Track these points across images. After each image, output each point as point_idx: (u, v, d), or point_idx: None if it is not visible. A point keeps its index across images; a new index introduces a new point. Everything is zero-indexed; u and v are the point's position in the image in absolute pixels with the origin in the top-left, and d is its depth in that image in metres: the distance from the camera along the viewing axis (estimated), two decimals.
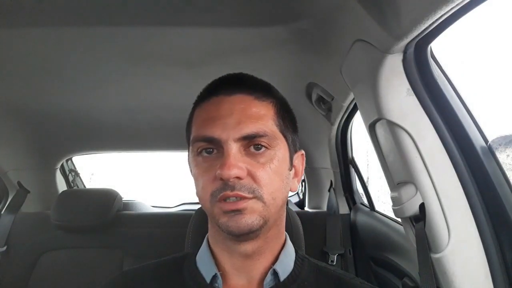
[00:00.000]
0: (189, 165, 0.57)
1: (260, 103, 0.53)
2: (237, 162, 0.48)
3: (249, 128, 0.50)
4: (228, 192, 0.48)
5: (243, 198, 0.48)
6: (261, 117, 0.52)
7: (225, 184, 0.48)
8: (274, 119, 0.53)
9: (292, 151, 0.56)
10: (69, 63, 0.94)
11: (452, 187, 0.61)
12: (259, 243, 0.53)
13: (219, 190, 0.48)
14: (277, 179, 0.51)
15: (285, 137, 0.54)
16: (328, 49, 0.82)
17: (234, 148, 0.49)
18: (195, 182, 0.54)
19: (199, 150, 0.52)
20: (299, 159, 0.59)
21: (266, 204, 0.49)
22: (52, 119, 1.35)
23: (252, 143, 0.50)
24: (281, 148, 0.53)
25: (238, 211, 0.48)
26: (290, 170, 0.56)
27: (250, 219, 0.48)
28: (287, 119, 0.56)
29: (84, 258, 1.30)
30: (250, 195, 0.48)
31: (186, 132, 0.58)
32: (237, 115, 0.50)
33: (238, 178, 0.48)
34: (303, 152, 0.60)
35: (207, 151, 0.51)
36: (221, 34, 0.82)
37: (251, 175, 0.49)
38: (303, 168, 0.61)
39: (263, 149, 0.50)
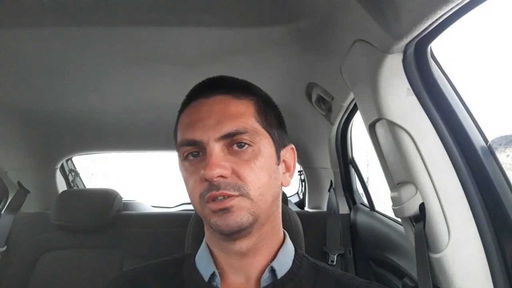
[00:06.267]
0: (180, 170, 0.57)
1: (239, 102, 0.54)
2: (219, 161, 0.49)
3: (229, 127, 0.50)
4: (214, 192, 0.48)
5: (229, 196, 0.49)
6: (241, 115, 0.52)
7: (211, 184, 0.49)
8: (254, 115, 0.54)
9: (279, 146, 0.56)
10: (69, 63, 0.94)
11: (452, 187, 0.61)
12: (253, 241, 0.53)
13: (206, 191, 0.49)
14: (263, 175, 0.51)
15: (268, 132, 0.54)
16: (328, 49, 0.82)
17: (216, 148, 0.50)
18: (185, 186, 0.55)
19: (185, 155, 0.53)
20: (290, 154, 0.59)
21: (253, 201, 0.50)
22: (52, 119, 1.35)
23: (235, 141, 0.51)
24: (265, 144, 0.53)
25: (226, 210, 0.49)
26: (278, 165, 0.56)
27: (238, 217, 0.49)
28: (270, 115, 0.57)
29: (84, 258, 1.30)
30: (236, 193, 0.49)
31: (174, 138, 0.59)
32: (216, 116, 0.51)
33: (223, 177, 0.48)
34: (292, 146, 0.60)
35: (193, 155, 0.52)
36: (221, 34, 0.82)
37: (235, 173, 0.49)
38: (295, 162, 0.61)
39: (246, 146, 0.51)
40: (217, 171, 0.48)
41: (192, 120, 0.53)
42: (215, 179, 0.48)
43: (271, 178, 0.53)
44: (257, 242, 0.54)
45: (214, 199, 0.49)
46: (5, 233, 1.34)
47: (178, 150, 0.55)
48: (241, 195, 0.49)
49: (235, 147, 0.51)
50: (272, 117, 0.57)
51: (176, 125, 0.58)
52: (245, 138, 0.51)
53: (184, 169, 0.54)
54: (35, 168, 1.54)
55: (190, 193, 0.53)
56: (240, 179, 0.49)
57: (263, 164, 0.51)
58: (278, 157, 0.56)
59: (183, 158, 0.53)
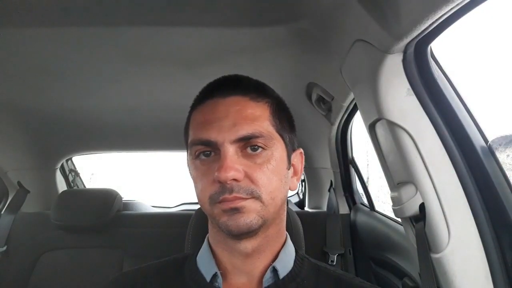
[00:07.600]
0: (188, 167, 0.57)
1: (256, 104, 0.53)
2: (234, 164, 0.48)
3: (245, 130, 0.50)
4: (227, 196, 0.48)
5: (241, 199, 0.49)
6: (257, 118, 0.52)
7: (223, 187, 0.48)
8: (270, 119, 0.53)
9: (290, 150, 0.56)
10: (69, 63, 0.94)
11: (452, 187, 0.61)
12: (259, 242, 0.53)
13: (218, 193, 0.49)
14: (275, 179, 0.51)
15: (281, 136, 0.54)
16: (328, 49, 0.82)
17: (230, 150, 0.49)
18: (194, 185, 0.55)
19: (197, 153, 0.52)
20: (298, 158, 0.60)
21: (264, 204, 0.50)
22: (52, 119, 1.35)
23: (249, 144, 0.50)
24: (278, 148, 0.53)
25: (236, 210, 0.49)
26: (289, 169, 0.56)
27: (248, 218, 0.49)
28: (284, 118, 0.57)
29: (84, 258, 1.30)
30: (248, 196, 0.49)
31: (184, 135, 0.58)
32: (232, 117, 0.51)
33: (236, 180, 0.48)
34: (301, 150, 0.60)
35: (205, 154, 0.52)
36: (221, 34, 0.82)
37: (248, 176, 0.49)
38: (303, 167, 0.61)
39: (259, 149, 0.51)
40: (231, 174, 0.47)
41: (207, 120, 0.52)
42: (228, 182, 0.48)
43: (282, 182, 0.53)
44: (262, 243, 0.54)
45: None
46: (5, 233, 1.34)
47: (189, 148, 0.54)
48: (253, 197, 0.49)
49: (249, 150, 0.50)
50: (286, 121, 0.57)
51: (188, 121, 0.58)
52: (260, 142, 0.50)
53: (194, 168, 0.53)
54: (35, 168, 1.54)
55: (200, 193, 0.52)
56: (253, 182, 0.49)
57: (275, 168, 0.51)
58: (289, 161, 0.56)
59: (195, 157, 0.53)
